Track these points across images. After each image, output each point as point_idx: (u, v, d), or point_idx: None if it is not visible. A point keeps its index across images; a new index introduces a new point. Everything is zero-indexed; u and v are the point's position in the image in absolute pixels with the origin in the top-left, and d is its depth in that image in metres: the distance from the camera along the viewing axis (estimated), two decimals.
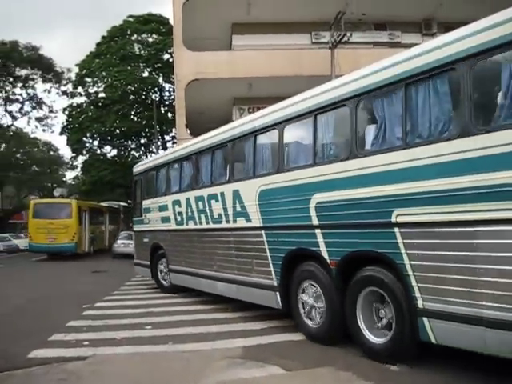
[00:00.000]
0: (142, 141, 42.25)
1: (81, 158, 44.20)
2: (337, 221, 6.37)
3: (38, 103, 46.73)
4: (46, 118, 47.88)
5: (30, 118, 49.76)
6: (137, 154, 41.86)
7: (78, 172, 46.64)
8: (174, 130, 36.13)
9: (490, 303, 4.52)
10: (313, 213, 6.73)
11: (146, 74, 40.24)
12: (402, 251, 5.42)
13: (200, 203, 9.90)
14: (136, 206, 13.95)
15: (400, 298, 5.50)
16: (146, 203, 13.01)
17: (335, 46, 21.09)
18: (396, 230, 5.48)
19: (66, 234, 26.44)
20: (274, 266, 7.63)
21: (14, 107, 46.44)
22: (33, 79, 44.61)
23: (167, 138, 41.61)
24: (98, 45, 40.35)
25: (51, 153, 62.29)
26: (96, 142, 42.04)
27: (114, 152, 42.47)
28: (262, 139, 8.12)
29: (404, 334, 5.49)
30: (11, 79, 43.66)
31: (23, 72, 43.54)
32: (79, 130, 40.50)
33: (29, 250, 28.73)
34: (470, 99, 4.78)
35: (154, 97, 40.07)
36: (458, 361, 5.59)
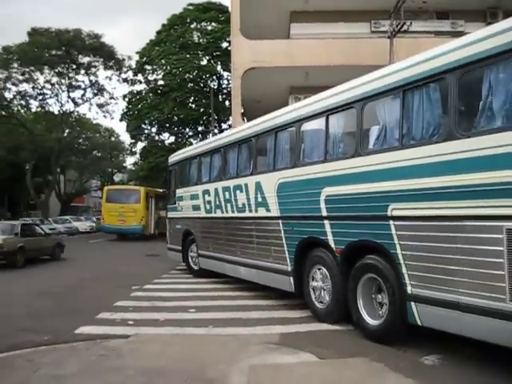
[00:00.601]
0: (200, 128, 42.69)
1: (140, 145, 45.16)
2: (342, 213, 7.00)
3: (100, 90, 47.85)
4: (106, 105, 48.98)
5: (91, 105, 51.31)
6: (194, 142, 42.40)
7: (136, 158, 47.54)
8: (230, 118, 36.41)
9: (465, 290, 5.08)
10: (322, 205, 7.36)
11: (204, 62, 40.49)
12: (396, 242, 6.01)
13: (227, 193, 10.60)
14: (170, 195, 14.74)
15: (393, 284, 6.07)
16: (179, 192, 13.77)
17: (394, 35, 20.63)
18: (391, 222, 6.08)
19: (135, 217, 29.54)
20: (289, 252, 8.28)
21: (77, 94, 47.98)
22: (95, 66, 45.61)
23: (224, 126, 41.84)
24: (157, 33, 41.00)
25: (112, 139, 64.16)
26: (154, 129, 43.00)
27: (172, 139, 43.14)
28: (282, 135, 8.75)
29: (395, 316, 6.06)
30: (74, 66, 44.80)
31: (85, 59, 44.57)
32: (138, 116, 41.41)
33: (101, 231, 32.81)
34: (455, 107, 5.35)
35: (211, 85, 40.42)
36: (490, 356, 5.51)
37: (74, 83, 46.34)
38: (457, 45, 5.45)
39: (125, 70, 45.73)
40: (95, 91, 47.97)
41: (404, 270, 5.87)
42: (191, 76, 39.40)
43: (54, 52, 42.35)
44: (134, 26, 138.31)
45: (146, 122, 41.44)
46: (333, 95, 7.40)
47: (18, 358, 5.94)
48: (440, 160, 5.42)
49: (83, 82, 46.92)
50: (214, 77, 41.45)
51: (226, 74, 40.75)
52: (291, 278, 8.23)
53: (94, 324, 7.59)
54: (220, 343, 6.54)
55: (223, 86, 41.96)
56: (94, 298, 10.02)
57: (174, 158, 14.95)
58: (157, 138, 43.54)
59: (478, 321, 4.95)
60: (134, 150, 47.79)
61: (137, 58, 42.77)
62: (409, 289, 5.81)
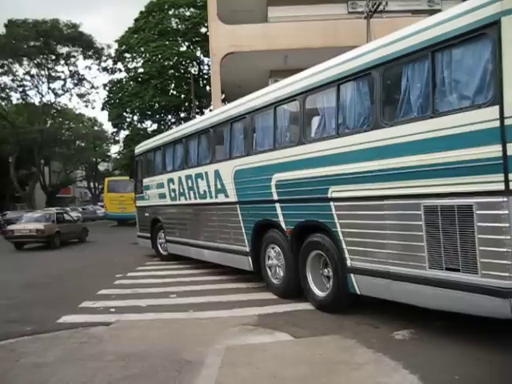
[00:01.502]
0: (182, 115, 42.52)
1: (123, 133, 44.98)
2: (290, 196, 7.60)
3: (80, 80, 47.30)
4: (87, 94, 48.51)
5: (71, 95, 50.86)
6: None
7: (120, 147, 47.33)
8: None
9: (393, 261, 5.73)
10: (273, 190, 7.94)
11: (183, 49, 40.35)
12: (336, 221, 6.64)
13: (189, 181, 11.18)
14: (137, 184, 15.15)
15: (335, 259, 6.72)
16: (145, 181, 14.36)
17: (371, 15, 20.66)
18: (331, 203, 6.69)
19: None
20: (246, 234, 8.90)
21: (57, 84, 47.36)
22: (74, 56, 45.15)
23: (206, 111, 41.74)
24: (136, 20, 40.66)
25: (95, 128, 63.69)
26: (136, 117, 42.82)
27: (155, 126, 42.91)
28: (237, 126, 9.32)
29: (339, 287, 6.72)
30: (53, 57, 44.29)
31: (64, 50, 44.13)
32: (119, 105, 41.19)
33: (106, 218, 36.12)
34: (380, 99, 5.95)
35: (192, 71, 40.24)
36: (457, 328, 5.73)
37: (53, 74, 45.94)
38: (379, 44, 6.05)
39: (104, 58, 45.32)
40: (75, 81, 47.49)
41: (344, 246, 6.54)
42: (171, 63, 39.15)
43: (32, 43, 41.71)
44: (115, 14, 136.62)
45: (128, 110, 41.22)
46: (279, 88, 7.99)
47: (0, 348, 6.07)
48: (369, 147, 6.03)
49: (63, 72, 46.53)
50: (195, 62, 41.37)
51: (206, 59, 40.49)
52: (249, 258, 8.87)
53: (76, 313, 7.72)
54: (199, 326, 6.69)
55: (204, 72, 41.84)
56: (79, 287, 10.19)
57: (139, 148, 15.43)
58: (139, 126, 43.45)
59: (405, 287, 5.62)
60: (117, 138, 47.68)
61: (116, 46, 42.47)
62: (348, 262, 6.49)
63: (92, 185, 72.87)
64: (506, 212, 4.52)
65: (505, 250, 4.55)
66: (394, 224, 5.72)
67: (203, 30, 38.42)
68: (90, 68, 46.91)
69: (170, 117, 42.85)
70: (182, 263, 12.68)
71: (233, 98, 24.78)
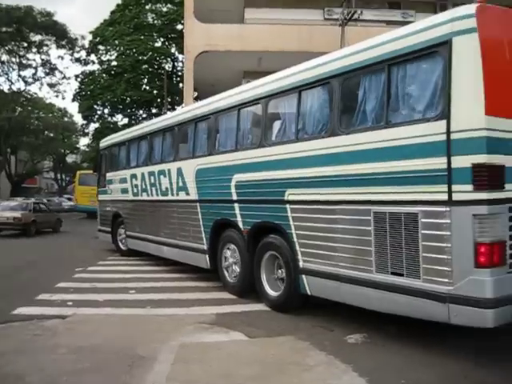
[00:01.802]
0: (154, 111, 42.25)
1: (93, 126, 44.52)
2: (248, 197, 7.77)
3: (52, 69, 46.62)
4: (58, 85, 47.84)
5: (42, 84, 50.03)
6: None
7: (90, 139, 46.77)
8: None
9: (343, 264, 5.92)
10: (233, 190, 8.09)
11: (159, 44, 40.18)
12: (291, 223, 6.83)
13: (152, 177, 11.28)
14: (101, 178, 15.15)
15: (289, 260, 6.90)
16: (109, 175, 14.36)
17: (346, 23, 20.96)
18: (287, 206, 6.88)
19: None
20: (205, 232, 9.05)
21: (28, 72, 46.66)
22: (47, 45, 44.47)
23: (178, 108, 41.51)
24: (112, 13, 40.30)
25: (65, 119, 62.65)
26: (107, 110, 42.41)
27: (125, 121, 42.57)
28: (200, 125, 9.45)
29: (291, 288, 6.90)
30: (25, 44, 43.52)
31: (37, 38, 43.39)
32: (91, 97, 40.70)
33: (76, 210, 36.15)
34: (337, 107, 6.15)
35: (166, 67, 40.07)
36: (410, 332, 5.87)
37: (24, 62, 45.09)
38: (340, 54, 6.30)
39: (78, 49, 44.71)
40: (47, 70, 46.73)
41: (297, 248, 6.74)
42: (145, 57, 38.93)
43: (3, 29, 40.83)
44: (92, 4, 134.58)
45: (99, 102, 40.80)
46: (244, 91, 8.18)
47: None
48: (325, 153, 6.24)
49: (34, 60, 45.76)
50: (169, 59, 41.19)
51: (180, 56, 40.27)
52: (207, 256, 9.01)
53: (33, 305, 7.66)
54: (156, 323, 6.71)
55: (178, 69, 41.68)
56: (38, 279, 10.07)
57: (104, 142, 15.40)
58: (110, 119, 43.05)
59: (354, 289, 5.83)
60: (86, 131, 47.07)
61: (90, 37, 41.93)
62: (301, 263, 6.69)
63: (59, 176, 71.67)
64: (448, 221, 4.75)
65: (445, 257, 4.77)
66: (346, 228, 5.93)
67: (179, 26, 38.20)
68: (62, 58, 46.05)
69: (141, 112, 42.60)
70: (143, 259, 12.66)
71: (206, 96, 24.47)
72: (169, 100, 38.29)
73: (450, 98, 4.76)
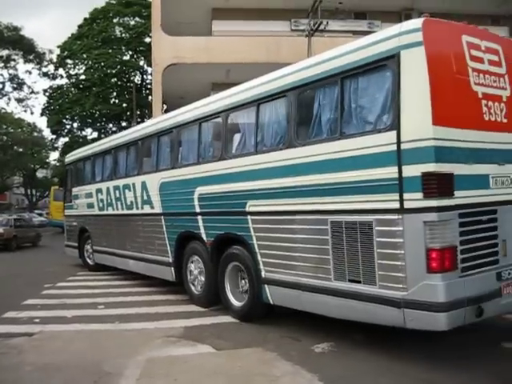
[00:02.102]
0: (124, 124, 42.02)
1: (62, 140, 44.03)
2: (211, 209, 7.88)
3: (19, 84, 46.32)
4: (26, 99, 47.51)
5: (9, 99, 49.36)
6: None
7: (59, 154, 46.23)
8: None
9: (303, 273, 6.08)
10: (196, 202, 8.20)
11: (127, 58, 40.12)
12: (252, 234, 6.96)
13: (117, 192, 11.30)
14: (67, 193, 15.10)
15: (251, 270, 7.03)
16: (75, 190, 14.30)
17: (312, 33, 21.22)
18: (248, 217, 7.00)
19: None
20: (170, 245, 9.10)
21: None
22: (14, 60, 44.24)
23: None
24: (79, 27, 40.12)
25: (35, 134, 61.73)
26: (76, 125, 42.02)
27: (95, 135, 42.23)
28: (163, 139, 9.58)
29: (254, 297, 7.04)
30: None
31: (4, 52, 43.14)
32: (59, 111, 40.32)
33: (50, 225, 35.54)
34: (294, 120, 6.31)
35: (135, 80, 39.97)
36: (375, 339, 6.00)
37: None
38: (296, 68, 6.42)
39: (46, 63, 44.53)
40: (14, 85, 46.30)
41: (259, 258, 6.86)
42: (114, 71, 38.82)
43: None
44: (63, 17, 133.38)
45: (68, 117, 40.50)
46: (204, 105, 8.30)
47: None
48: (283, 164, 6.37)
49: (2, 75, 45.38)
50: (138, 72, 41.14)
51: (149, 69, 40.16)
52: (172, 269, 9.07)
53: None
54: (124, 338, 6.71)
55: (147, 82, 41.59)
56: (4, 297, 9.92)
57: (70, 157, 15.39)
58: (79, 133, 42.66)
59: (313, 297, 5.97)
60: (56, 145, 46.60)
61: (58, 51, 41.61)
62: (263, 273, 6.83)
63: (29, 192, 70.47)
64: (401, 228, 4.92)
65: (399, 263, 4.93)
66: (304, 238, 6.07)
67: (148, 39, 38.15)
68: (30, 72, 45.82)
69: (110, 125, 42.30)
70: (112, 274, 12.57)
71: (175, 109, 24.69)
72: (138, 113, 38.15)
73: (399, 110, 4.94)
